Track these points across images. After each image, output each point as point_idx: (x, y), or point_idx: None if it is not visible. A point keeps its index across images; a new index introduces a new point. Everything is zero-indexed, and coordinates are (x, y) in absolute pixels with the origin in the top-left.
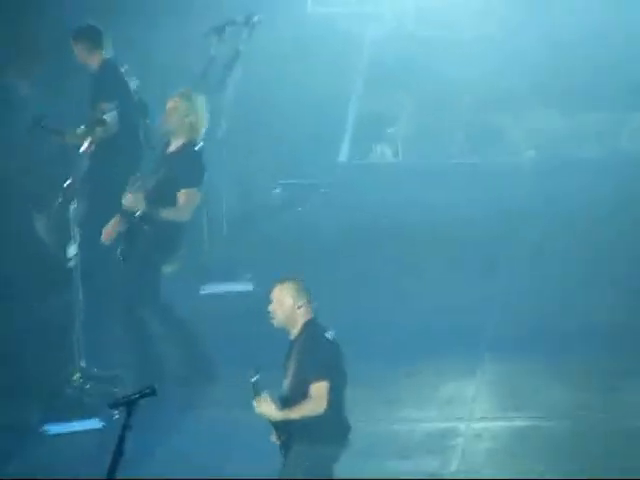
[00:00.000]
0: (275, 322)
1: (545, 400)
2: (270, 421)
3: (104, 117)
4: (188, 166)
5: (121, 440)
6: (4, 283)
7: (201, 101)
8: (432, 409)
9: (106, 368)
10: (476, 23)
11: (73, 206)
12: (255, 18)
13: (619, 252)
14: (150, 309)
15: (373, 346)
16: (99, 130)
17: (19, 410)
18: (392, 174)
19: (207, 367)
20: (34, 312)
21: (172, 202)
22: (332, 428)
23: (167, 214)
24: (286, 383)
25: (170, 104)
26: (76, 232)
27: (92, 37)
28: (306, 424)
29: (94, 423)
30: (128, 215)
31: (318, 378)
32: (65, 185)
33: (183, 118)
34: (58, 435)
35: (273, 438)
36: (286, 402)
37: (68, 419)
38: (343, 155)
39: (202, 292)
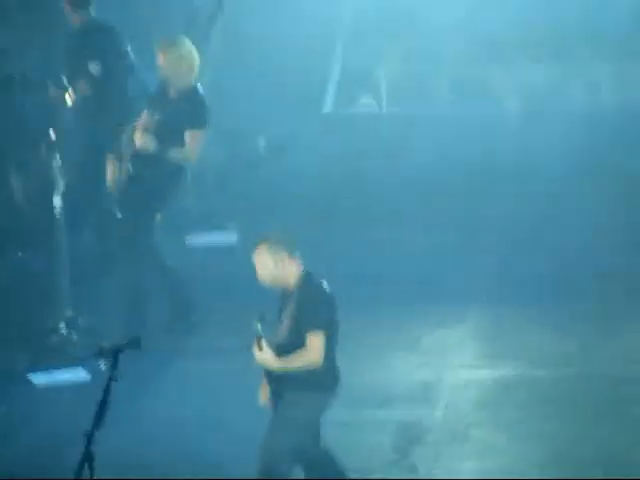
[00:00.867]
0: (267, 284)
1: (531, 348)
2: (264, 369)
3: (90, 72)
4: (194, 108)
5: (106, 391)
6: None
7: (188, 43)
8: (417, 358)
9: (92, 318)
10: None
11: (56, 159)
12: None
13: (604, 202)
14: (144, 256)
15: (358, 296)
16: (84, 85)
17: (3, 358)
18: (377, 124)
19: (192, 314)
20: (20, 261)
21: (180, 143)
22: (324, 377)
23: (176, 154)
24: (281, 334)
25: (160, 57)
26: (60, 184)
27: None
28: (299, 373)
29: (79, 372)
30: (131, 159)
31: (315, 329)
32: (48, 139)
33: (178, 66)
34: (43, 384)
35: (262, 396)
36: (280, 352)
37: (53, 368)
38: (328, 106)
39: (187, 242)
